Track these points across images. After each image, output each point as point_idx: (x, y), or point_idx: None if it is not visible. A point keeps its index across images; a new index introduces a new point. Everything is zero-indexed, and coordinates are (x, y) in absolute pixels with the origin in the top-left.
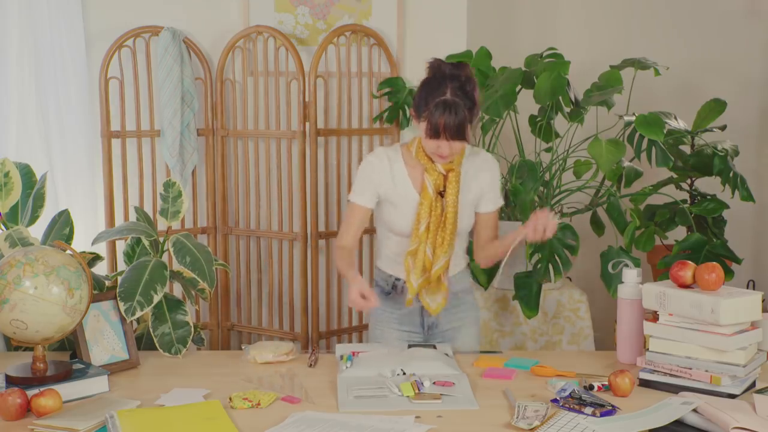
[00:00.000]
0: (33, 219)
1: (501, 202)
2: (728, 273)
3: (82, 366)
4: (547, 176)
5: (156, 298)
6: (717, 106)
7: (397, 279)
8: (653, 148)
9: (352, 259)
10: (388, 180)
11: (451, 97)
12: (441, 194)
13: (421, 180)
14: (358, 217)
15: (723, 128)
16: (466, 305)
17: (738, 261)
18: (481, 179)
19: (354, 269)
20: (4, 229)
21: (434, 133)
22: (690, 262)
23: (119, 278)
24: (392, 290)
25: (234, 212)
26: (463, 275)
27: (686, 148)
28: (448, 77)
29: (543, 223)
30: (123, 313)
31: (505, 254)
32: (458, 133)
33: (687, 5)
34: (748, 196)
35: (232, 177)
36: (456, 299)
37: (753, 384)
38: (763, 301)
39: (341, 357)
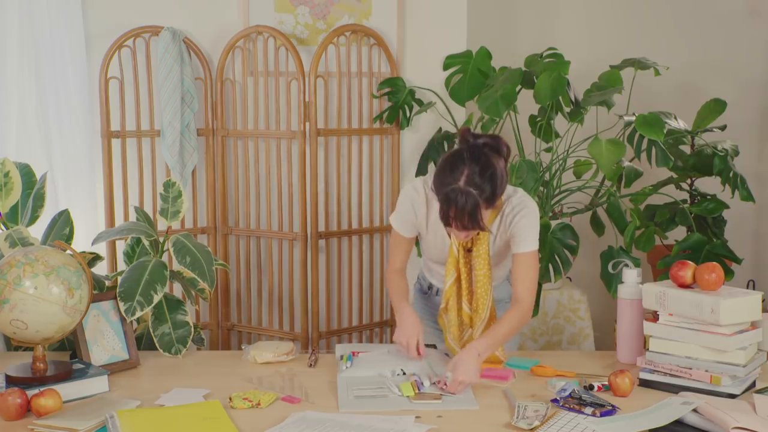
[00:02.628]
0: (33, 219)
1: (527, 248)
2: (728, 273)
3: (82, 366)
4: (547, 176)
5: (156, 298)
6: (717, 106)
7: (431, 285)
8: (653, 148)
9: (403, 285)
10: (422, 213)
11: (464, 186)
12: (469, 250)
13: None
14: (402, 244)
15: (723, 128)
16: (503, 312)
17: (738, 261)
18: (511, 226)
19: (404, 301)
20: (4, 229)
21: (445, 222)
22: (690, 262)
23: (119, 278)
24: (428, 290)
25: (234, 212)
26: (503, 285)
27: (686, 148)
28: (467, 159)
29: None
30: (123, 313)
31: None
32: (470, 224)
33: (687, 5)
34: (748, 196)
35: (232, 177)
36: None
37: (753, 384)
38: (763, 301)
39: (341, 357)
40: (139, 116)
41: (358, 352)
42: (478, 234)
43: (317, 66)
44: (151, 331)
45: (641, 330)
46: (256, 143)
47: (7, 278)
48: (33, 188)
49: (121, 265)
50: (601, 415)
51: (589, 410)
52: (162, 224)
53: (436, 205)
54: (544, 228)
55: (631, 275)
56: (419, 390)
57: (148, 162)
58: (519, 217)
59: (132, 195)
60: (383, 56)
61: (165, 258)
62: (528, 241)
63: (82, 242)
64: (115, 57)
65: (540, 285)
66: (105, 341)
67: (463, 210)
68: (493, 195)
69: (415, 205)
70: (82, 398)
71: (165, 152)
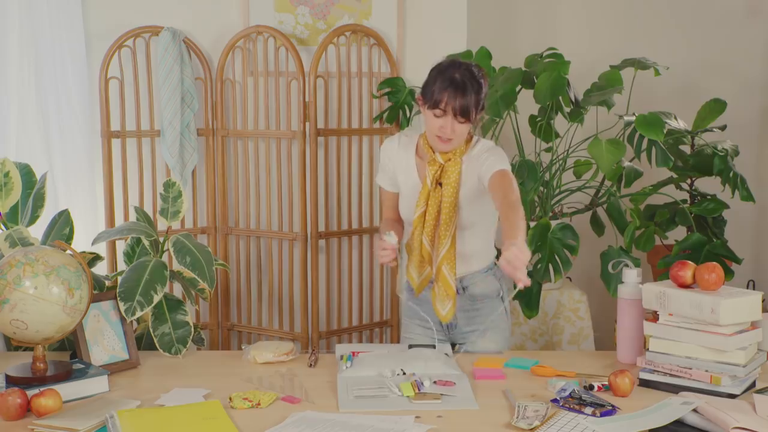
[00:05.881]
0: (33, 219)
1: (501, 167)
2: (728, 273)
3: (82, 366)
4: (547, 176)
5: (156, 298)
6: (717, 106)
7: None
8: (653, 148)
9: (390, 224)
10: (395, 164)
11: (459, 77)
12: (441, 184)
13: (425, 170)
14: (387, 198)
15: (723, 128)
16: (487, 310)
17: (738, 261)
18: (479, 163)
19: (387, 228)
20: (4, 229)
21: (436, 104)
22: (690, 262)
23: (119, 278)
24: None
25: (234, 212)
26: (481, 278)
27: (686, 148)
28: (458, 64)
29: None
30: (123, 313)
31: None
32: (462, 111)
33: (687, 5)
34: (748, 196)
35: (232, 177)
36: (475, 302)
37: (753, 384)
38: (763, 301)
39: (341, 357)
40: (139, 116)
41: (358, 352)
42: (450, 158)
43: (317, 66)
44: (151, 331)
45: (641, 330)
46: (256, 143)
47: (7, 278)
48: (33, 188)
49: (121, 265)
50: (601, 415)
51: (589, 410)
52: (162, 224)
53: (408, 147)
54: (544, 228)
55: (631, 275)
56: (419, 390)
57: (148, 162)
58: (489, 153)
59: (132, 195)
60: (383, 56)
61: (165, 258)
62: (500, 164)
63: (82, 242)
64: (115, 57)
65: (540, 285)
66: (105, 341)
67: (460, 93)
68: (478, 94)
69: (390, 152)
70: (82, 398)
71: (165, 152)
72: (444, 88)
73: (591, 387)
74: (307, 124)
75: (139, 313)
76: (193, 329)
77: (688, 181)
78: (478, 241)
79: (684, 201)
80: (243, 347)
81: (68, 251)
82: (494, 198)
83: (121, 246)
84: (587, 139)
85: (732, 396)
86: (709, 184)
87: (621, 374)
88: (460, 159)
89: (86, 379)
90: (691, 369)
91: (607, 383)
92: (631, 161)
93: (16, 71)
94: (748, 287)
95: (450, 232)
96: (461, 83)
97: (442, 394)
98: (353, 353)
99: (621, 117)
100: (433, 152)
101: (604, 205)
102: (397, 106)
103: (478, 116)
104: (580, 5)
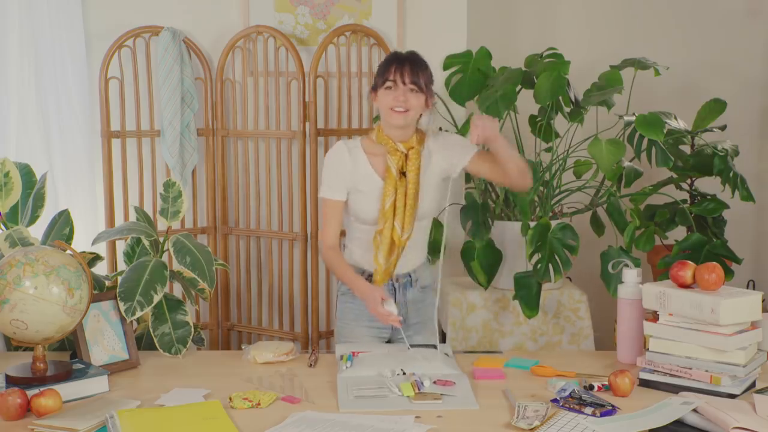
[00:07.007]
0: (33, 219)
1: (475, 147)
2: (728, 273)
3: (82, 366)
4: (547, 176)
5: (156, 298)
6: (717, 106)
7: (370, 274)
8: (653, 148)
9: (345, 260)
10: (349, 169)
11: (403, 54)
12: (404, 174)
13: (383, 165)
14: (334, 212)
15: (723, 128)
16: (429, 300)
17: (738, 261)
18: (444, 154)
19: (358, 276)
20: (4, 229)
21: (386, 79)
22: (690, 262)
23: (119, 278)
24: None
25: (234, 212)
26: (425, 269)
27: (686, 148)
28: (399, 53)
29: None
30: (123, 313)
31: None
32: (411, 78)
33: (687, 5)
34: (748, 196)
35: (232, 177)
36: (422, 293)
37: (753, 384)
38: (763, 301)
39: (341, 357)
40: (139, 116)
41: (358, 352)
42: (412, 146)
43: (317, 66)
44: (151, 331)
45: (641, 330)
46: (256, 143)
47: (7, 278)
48: (33, 188)
49: (121, 265)
50: (601, 415)
51: (589, 410)
52: (162, 224)
53: (357, 148)
54: (544, 228)
55: (631, 275)
56: (419, 390)
57: (148, 162)
58: (448, 140)
59: (132, 195)
60: (383, 56)
61: (165, 258)
62: (470, 146)
63: (82, 242)
64: (115, 57)
65: (540, 285)
66: (105, 341)
67: (406, 57)
68: (426, 71)
69: (343, 159)
70: (82, 398)
71: (165, 152)
72: (390, 63)
73: (591, 387)
74: (307, 124)
75: (139, 313)
76: (193, 329)
77: (688, 181)
78: (428, 232)
79: (684, 201)
80: (243, 347)
81: (68, 251)
82: (491, 169)
83: (121, 246)
84: (587, 139)
85: (732, 396)
86: (709, 184)
87: (621, 374)
88: (420, 148)
89: (86, 379)
90: (691, 369)
91: (607, 383)
92: (631, 161)
93: (16, 71)
94: (748, 287)
95: (413, 218)
96: (405, 56)
97: (442, 394)
98: (353, 353)
99: (621, 117)
100: (393, 142)
101: (604, 205)
102: None
103: (430, 98)
104: (580, 5)
